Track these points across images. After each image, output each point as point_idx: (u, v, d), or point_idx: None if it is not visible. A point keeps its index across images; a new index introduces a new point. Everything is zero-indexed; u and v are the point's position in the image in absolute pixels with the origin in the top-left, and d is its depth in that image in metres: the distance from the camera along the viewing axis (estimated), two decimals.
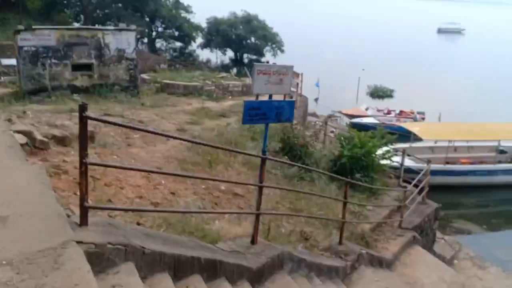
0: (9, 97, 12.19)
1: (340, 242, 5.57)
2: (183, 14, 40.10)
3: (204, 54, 43.61)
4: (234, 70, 34.94)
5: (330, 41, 62.59)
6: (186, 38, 40.37)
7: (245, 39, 41.13)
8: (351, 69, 39.64)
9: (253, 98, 3.77)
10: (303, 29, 72.22)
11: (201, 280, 3.06)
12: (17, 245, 2.27)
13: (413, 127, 16.31)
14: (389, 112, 24.39)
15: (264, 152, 3.93)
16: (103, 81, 13.52)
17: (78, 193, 3.93)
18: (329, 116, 15.57)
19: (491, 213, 14.63)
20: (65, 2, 36.36)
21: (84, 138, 2.44)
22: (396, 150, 11.21)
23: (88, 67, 13.40)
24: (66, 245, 2.27)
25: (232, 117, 11.86)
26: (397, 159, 10.80)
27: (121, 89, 13.53)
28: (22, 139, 5.03)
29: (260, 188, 3.94)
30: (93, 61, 13.39)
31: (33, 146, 5.21)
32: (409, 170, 10.86)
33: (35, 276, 2.05)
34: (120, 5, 36.03)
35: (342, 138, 9.82)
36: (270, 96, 3.80)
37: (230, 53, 44.08)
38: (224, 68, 36.95)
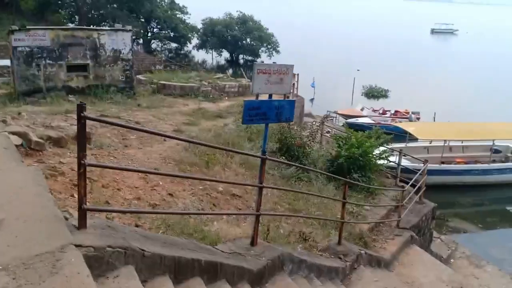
0: (3, 98, 12.03)
1: (339, 243, 5.56)
2: (179, 15, 40.03)
3: (200, 55, 43.55)
4: (230, 71, 34.91)
5: (325, 42, 62.83)
6: (182, 39, 40.30)
7: (240, 40, 41.16)
8: (346, 69, 39.79)
9: (251, 98, 3.73)
10: (297, 30, 72.48)
11: (202, 282, 3.02)
12: (13, 249, 2.21)
13: (409, 127, 16.40)
14: (384, 112, 24.48)
15: (264, 152, 3.90)
16: (99, 82, 13.40)
17: (75, 195, 3.88)
18: (326, 117, 15.54)
19: (486, 212, 14.75)
20: (59, 2, 36.01)
21: (83, 139, 2.39)
22: (392, 150, 11.26)
23: (83, 67, 13.26)
24: (64, 248, 2.22)
25: (229, 118, 11.83)
26: (392, 159, 10.84)
27: (117, 90, 13.41)
28: (17, 140, 4.95)
29: (260, 189, 3.91)
30: (89, 61, 13.26)
31: (29, 148, 5.13)
32: (406, 170, 10.90)
33: (32, 281, 1.99)
34: (115, 5, 35.83)
35: (339, 138, 9.82)
36: (270, 96, 3.77)
37: (225, 54, 44.08)
38: (220, 69, 36.94)
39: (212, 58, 43.33)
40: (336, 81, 36.45)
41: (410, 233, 7.57)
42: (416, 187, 8.88)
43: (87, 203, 2.54)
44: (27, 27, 12.97)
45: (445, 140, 15.01)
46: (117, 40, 13.58)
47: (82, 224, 2.54)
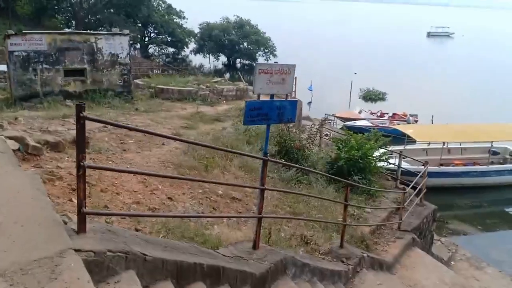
0: (0, 103, 11.94)
1: (341, 246, 5.50)
2: (176, 19, 40.14)
3: (197, 60, 43.61)
4: (227, 75, 34.95)
5: (322, 46, 63.07)
6: (179, 43, 40.37)
7: (237, 44, 41.27)
8: (344, 73, 39.95)
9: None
10: (295, 34, 72.77)
11: (205, 287, 2.95)
12: (11, 254, 2.14)
13: (407, 129, 16.41)
14: (382, 115, 24.53)
15: (265, 153, 3.84)
16: (96, 86, 13.31)
17: (74, 199, 3.81)
18: (325, 120, 15.53)
19: (485, 214, 14.75)
20: (55, 7, 35.95)
21: (82, 140, 2.33)
22: (391, 152, 11.25)
23: (80, 72, 13.16)
24: (63, 253, 2.15)
25: (227, 121, 11.78)
26: (391, 161, 10.82)
27: (114, 95, 13.32)
28: (14, 145, 4.88)
29: (262, 191, 3.85)
30: (86, 66, 13.17)
31: (26, 152, 5.05)
32: (406, 172, 10.88)
33: (31, 287, 1.92)
34: (112, 10, 35.85)
35: (338, 140, 9.80)
36: (272, 96, 3.72)
37: (223, 58, 44.16)
38: (217, 73, 36.93)
39: (210, 63, 43.39)
40: (333, 85, 36.56)
41: (411, 236, 7.53)
42: (417, 189, 8.85)
43: (86, 208, 2.47)
44: (24, 31, 12.91)
45: (443, 142, 15.03)
46: (115, 44, 13.50)
47: (81, 228, 2.47)
